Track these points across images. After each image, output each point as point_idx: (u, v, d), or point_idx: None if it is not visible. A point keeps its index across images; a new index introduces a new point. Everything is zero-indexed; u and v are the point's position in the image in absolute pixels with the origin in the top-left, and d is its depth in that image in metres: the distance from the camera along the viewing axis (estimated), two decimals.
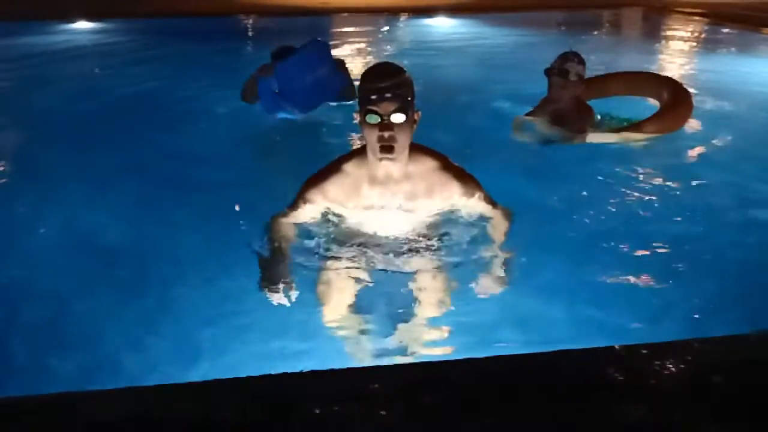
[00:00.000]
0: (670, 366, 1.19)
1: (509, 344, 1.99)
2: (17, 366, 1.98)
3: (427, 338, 2.03)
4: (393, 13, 10.42)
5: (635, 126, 3.67)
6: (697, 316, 2.19)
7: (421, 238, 2.25)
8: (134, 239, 2.73)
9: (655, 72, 5.05)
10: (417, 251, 2.23)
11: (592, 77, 4.28)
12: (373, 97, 1.99)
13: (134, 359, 2.00)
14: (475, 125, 4.19)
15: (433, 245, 2.25)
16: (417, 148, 2.20)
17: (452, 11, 10.28)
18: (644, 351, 1.27)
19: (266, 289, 2.06)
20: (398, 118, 2.00)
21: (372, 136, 2.04)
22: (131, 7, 10.14)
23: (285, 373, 1.20)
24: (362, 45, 7.83)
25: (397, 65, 2.13)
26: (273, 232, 2.25)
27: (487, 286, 2.11)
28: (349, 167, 2.22)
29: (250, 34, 9.41)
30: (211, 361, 1.98)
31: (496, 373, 1.23)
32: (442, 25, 9.74)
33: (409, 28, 9.74)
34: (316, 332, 2.05)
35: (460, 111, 4.59)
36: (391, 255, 2.21)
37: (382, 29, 9.34)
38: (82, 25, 9.02)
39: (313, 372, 1.22)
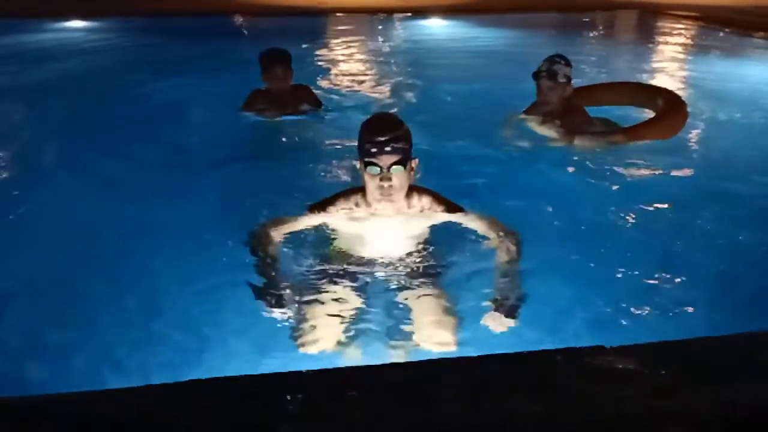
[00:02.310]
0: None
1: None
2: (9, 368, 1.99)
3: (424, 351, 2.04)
4: (388, 13, 10.45)
5: (627, 131, 3.68)
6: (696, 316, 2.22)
7: (417, 257, 2.31)
8: (126, 238, 2.74)
9: (647, 80, 5.09)
10: (413, 269, 2.27)
11: (585, 86, 4.32)
12: (374, 150, 2.11)
13: (124, 360, 2.02)
14: (468, 125, 4.22)
15: (429, 263, 2.30)
16: (414, 188, 2.33)
17: (447, 12, 10.32)
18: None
19: (265, 300, 2.08)
20: (397, 170, 2.13)
21: (372, 185, 2.18)
22: (126, 5, 10.14)
23: (275, 373, 1.22)
24: (358, 45, 7.85)
25: (396, 117, 2.26)
26: (264, 240, 2.29)
27: (498, 322, 1.98)
28: (351, 196, 2.35)
29: (245, 33, 9.42)
30: (206, 361, 2.00)
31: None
32: (436, 26, 9.78)
33: (404, 29, 9.76)
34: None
35: (453, 111, 4.63)
36: (387, 273, 2.26)
37: (377, 29, 9.36)
38: (77, 23, 9.02)
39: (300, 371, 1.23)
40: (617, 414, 1.09)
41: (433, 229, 2.38)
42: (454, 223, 2.37)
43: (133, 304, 2.29)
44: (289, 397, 1.10)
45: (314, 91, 4.53)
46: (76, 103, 4.89)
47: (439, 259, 2.33)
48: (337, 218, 2.34)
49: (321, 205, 2.37)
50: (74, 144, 3.87)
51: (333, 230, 2.39)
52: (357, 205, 2.32)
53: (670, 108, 3.85)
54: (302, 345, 1.95)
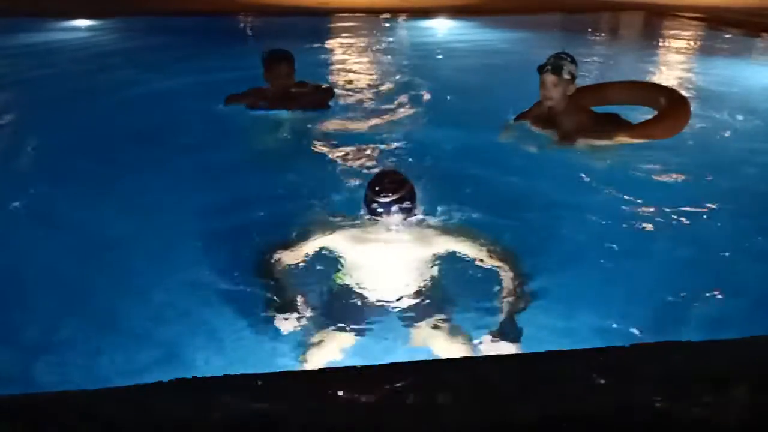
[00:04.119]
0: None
1: None
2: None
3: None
4: (392, 14, 10.44)
5: (629, 129, 3.61)
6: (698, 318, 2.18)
7: (420, 278, 2.27)
8: (125, 241, 2.71)
9: (653, 80, 5.04)
10: (417, 291, 2.23)
11: (588, 85, 4.26)
12: (380, 210, 2.24)
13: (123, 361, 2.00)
14: (469, 126, 4.16)
15: (432, 285, 2.26)
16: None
17: (451, 13, 10.30)
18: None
19: (276, 317, 2.06)
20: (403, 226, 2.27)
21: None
22: (131, 5, 10.17)
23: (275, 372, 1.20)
24: (361, 45, 7.83)
25: (401, 176, 2.33)
26: (272, 260, 2.27)
27: (490, 345, 1.93)
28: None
29: (249, 33, 9.42)
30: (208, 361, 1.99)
31: None
32: (441, 27, 9.75)
33: (408, 29, 9.74)
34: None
35: (457, 112, 4.59)
36: (391, 295, 2.21)
37: (381, 30, 9.34)
38: (81, 23, 9.04)
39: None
40: (619, 415, 1.05)
41: (435, 253, 2.33)
42: (454, 250, 2.34)
43: (129, 306, 2.27)
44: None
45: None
46: (76, 103, 4.87)
47: (442, 281, 2.28)
48: (338, 239, 2.34)
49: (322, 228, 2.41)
50: (73, 145, 3.85)
51: (335, 253, 2.35)
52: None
53: (672, 106, 3.79)
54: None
